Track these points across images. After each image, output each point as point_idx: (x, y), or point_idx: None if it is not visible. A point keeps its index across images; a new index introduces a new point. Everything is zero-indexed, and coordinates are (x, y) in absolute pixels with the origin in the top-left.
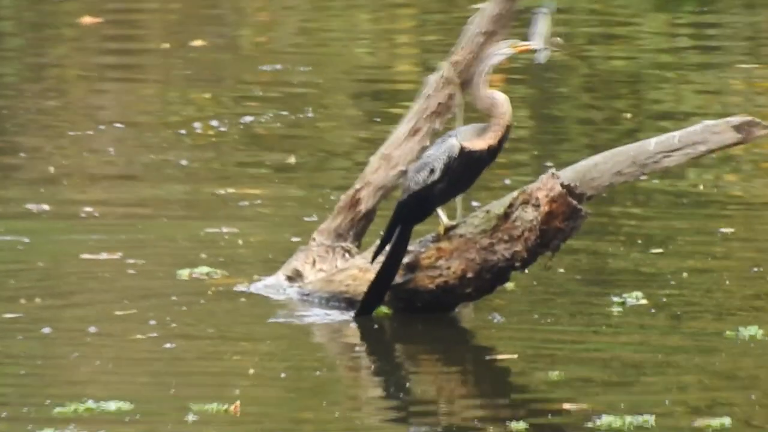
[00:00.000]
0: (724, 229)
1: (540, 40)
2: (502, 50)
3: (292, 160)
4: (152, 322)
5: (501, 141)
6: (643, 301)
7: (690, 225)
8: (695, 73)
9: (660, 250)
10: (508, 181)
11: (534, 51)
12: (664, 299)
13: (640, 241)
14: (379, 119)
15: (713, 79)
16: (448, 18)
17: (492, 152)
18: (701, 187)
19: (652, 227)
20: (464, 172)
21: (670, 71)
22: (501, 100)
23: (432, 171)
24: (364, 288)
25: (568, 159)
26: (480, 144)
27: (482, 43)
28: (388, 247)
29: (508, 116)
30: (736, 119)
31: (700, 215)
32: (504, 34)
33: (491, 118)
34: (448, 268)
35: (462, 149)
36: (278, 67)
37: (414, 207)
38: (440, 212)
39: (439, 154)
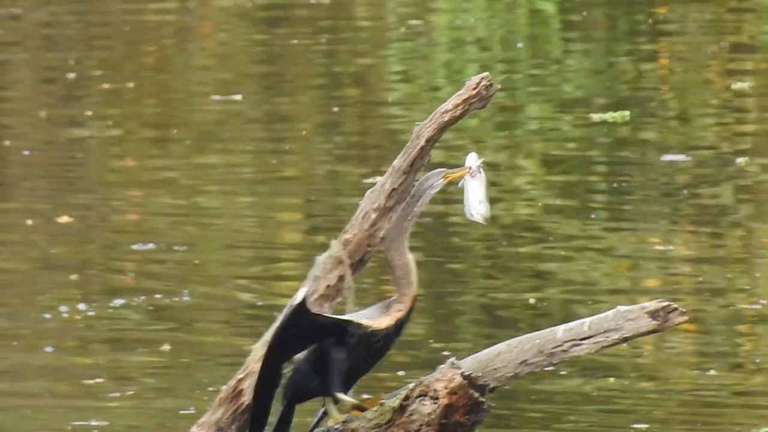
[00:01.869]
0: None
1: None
2: (435, 183)
3: (166, 347)
4: None
5: (409, 312)
6: None
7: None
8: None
9: None
10: (402, 372)
11: (470, 174)
12: None
13: None
14: (261, 303)
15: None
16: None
17: (399, 327)
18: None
19: None
20: (367, 356)
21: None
22: (414, 267)
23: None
24: None
25: (468, 346)
26: (385, 321)
27: (376, 220)
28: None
29: (416, 286)
30: (651, 304)
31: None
32: (397, 209)
33: (397, 290)
34: None
35: (365, 329)
36: (151, 245)
37: (264, 374)
38: (331, 405)
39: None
